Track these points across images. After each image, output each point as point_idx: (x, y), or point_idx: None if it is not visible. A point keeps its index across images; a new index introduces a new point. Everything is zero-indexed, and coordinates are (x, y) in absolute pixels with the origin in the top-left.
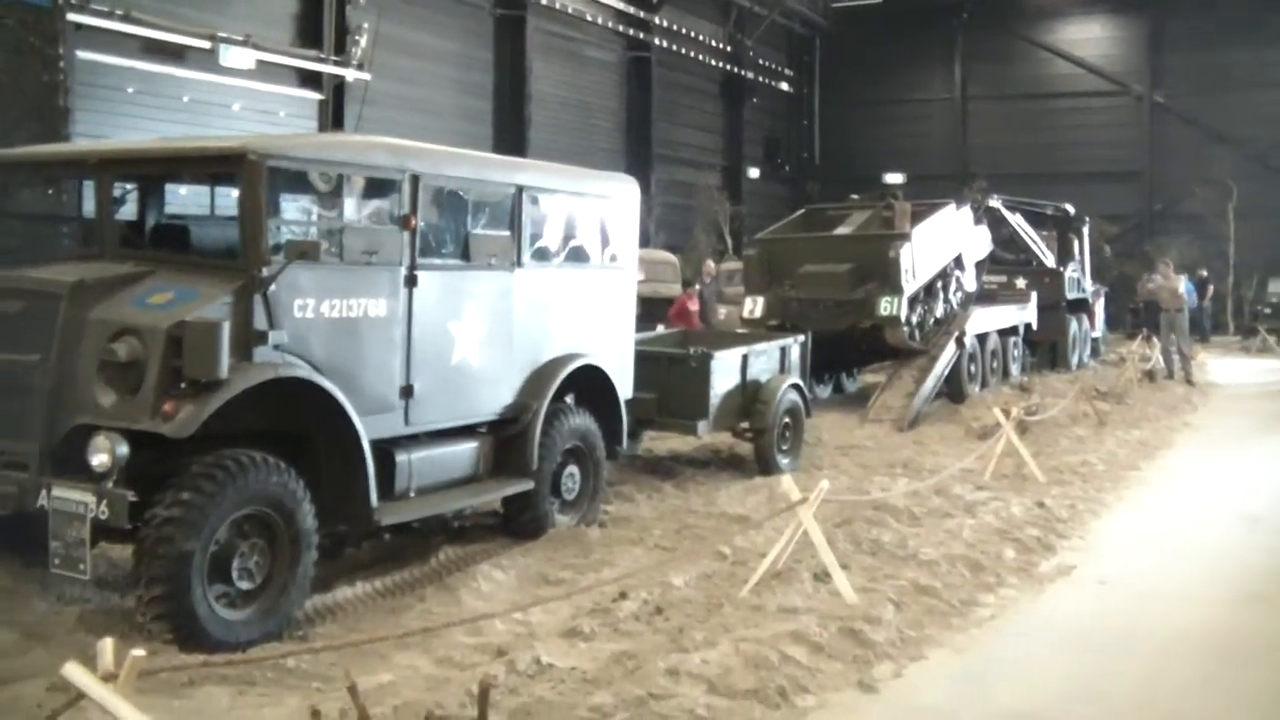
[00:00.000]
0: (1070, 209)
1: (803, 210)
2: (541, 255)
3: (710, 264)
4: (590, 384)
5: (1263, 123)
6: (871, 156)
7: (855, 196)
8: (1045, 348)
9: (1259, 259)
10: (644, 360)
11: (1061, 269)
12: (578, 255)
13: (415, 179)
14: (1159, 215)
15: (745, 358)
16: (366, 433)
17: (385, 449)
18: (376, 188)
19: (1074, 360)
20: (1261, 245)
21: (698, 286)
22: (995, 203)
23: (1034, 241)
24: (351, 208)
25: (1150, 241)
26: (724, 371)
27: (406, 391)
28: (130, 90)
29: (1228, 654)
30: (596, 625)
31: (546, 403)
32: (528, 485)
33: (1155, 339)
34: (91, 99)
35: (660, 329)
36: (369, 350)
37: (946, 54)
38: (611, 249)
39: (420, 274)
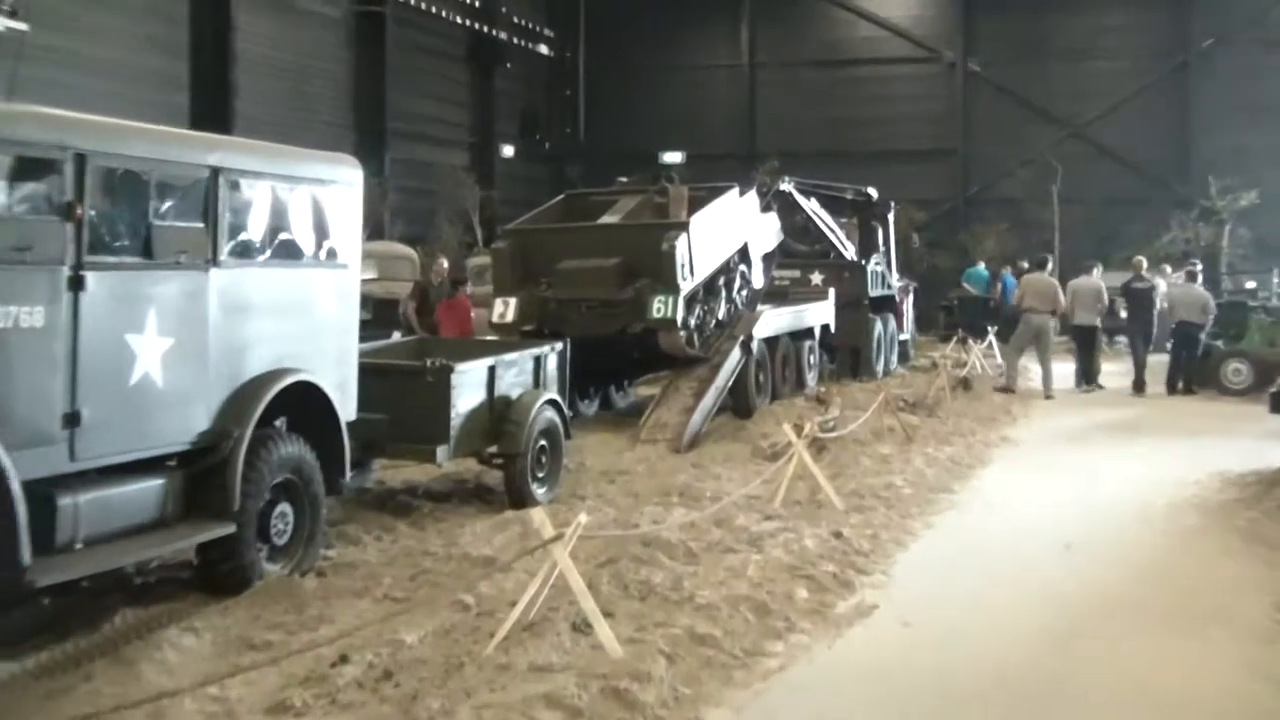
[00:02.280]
0: (873, 193)
1: (563, 195)
2: (244, 251)
3: (442, 262)
4: (305, 404)
5: (1088, 96)
6: (646, 133)
7: (624, 180)
8: (845, 353)
9: (1086, 248)
10: (372, 375)
11: (863, 262)
12: (289, 251)
13: (81, 158)
14: (974, 200)
15: (492, 370)
16: (17, 472)
17: (43, 491)
18: (30, 169)
19: (879, 367)
20: (1088, 233)
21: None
22: (787, 186)
23: (832, 230)
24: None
25: (965, 230)
26: (467, 386)
27: (71, 419)
28: None
29: (1044, 699)
30: (310, 697)
31: (251, 428)
32: (228, 529)
33: (970, 341)
34: None
35: (396, 336)
36: (20, 370)
37: (732, 13)
38: (330, 242)
39: (89, 275)
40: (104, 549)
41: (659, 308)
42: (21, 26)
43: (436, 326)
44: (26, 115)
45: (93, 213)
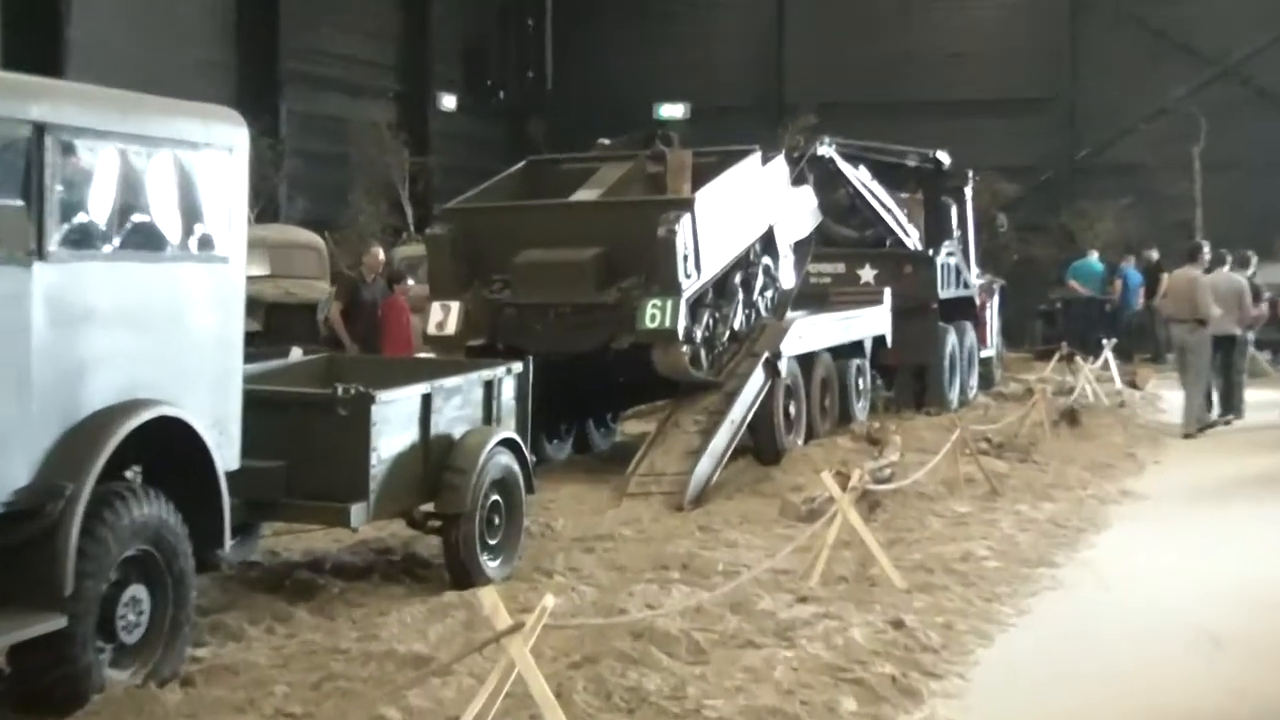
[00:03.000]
0: (944, 158)
1: (523, 163)
2: (82, 239)
3: (377, 252)
4: (169, 449)
5: (1241, 24)
6: (636, 79)
7: (605, 141)
8: (907, 375)
9: (1238, 231)
10: (263, 407)
11: (931, 252)
12: (145, 239)
13: None
14: (1084, 167)
15: (428, 400)
16: None
17: None
18: None
19: (953, 394)
20: (1241, 212)
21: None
22: (827, 150)
23: (888, 210)
24: None
25: (1071, 208)
26: (394, 422)
27: None
28: None
29: None
30: None
31: (90, 482)
32: (56, 622)
33: (1079, 358)
34: None
35: (296, 354)
36: None
37: None
38: (204, 227)
39: None
40: None
41: (654, 315)
42: None
43: (371, 338)
44: None
45: None
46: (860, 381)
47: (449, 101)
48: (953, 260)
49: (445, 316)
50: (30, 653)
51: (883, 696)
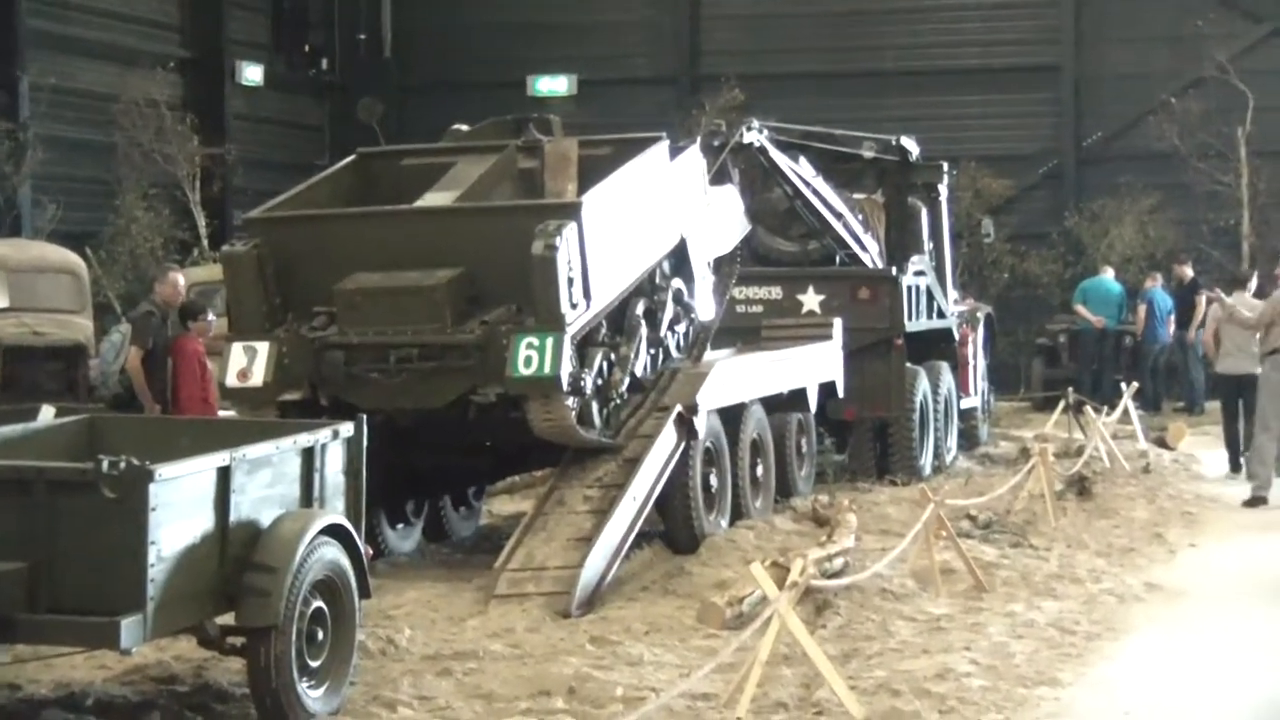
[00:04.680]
0: (910, 146)
1: (353, 156)
2: None
3: (176, 278)
4: None
5: None
6: (501, 46)
7: (463, 128)
8: (865, 433)
9: None
10: None
11: (896, 270)
12: None
13: None
14: (1094, 156)
15: (225, 475)
16: None
17: None
18: None
19: (925, 458)
20: None
21: (123, 330)
22: (755, 137)
23: (838, 216)
24: None
25: (1078, 209)
26: (179, 506)
27: None
28: None
29: None
30: None
31: None
32: None
33: (1090, 408)
34: None
35: (46, 415)
36: None
37: None
38: None
39: None
40: None
41: (529, 358)
42: None
43: (175, 392)
44: None
45: None
46: (803, 442)
47: (253, 73)
48: (923, 281)
49: (250, 362)
50: None
51: None
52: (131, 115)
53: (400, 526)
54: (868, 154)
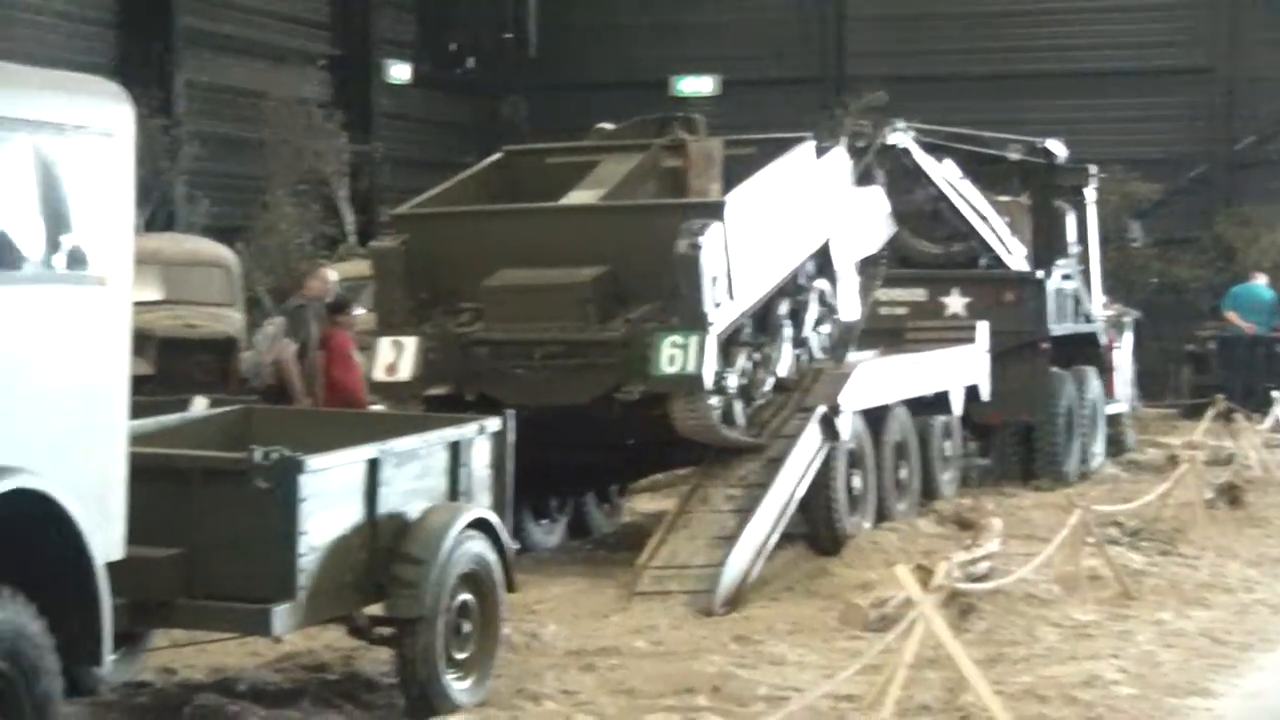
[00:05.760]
0: (1058, 150)
1: (499, 154)
2: None
3: (327, 274)
4: (25, 533)
5: None
6: (646, 45)
7: (608, 126)
8: (1010, 437)
9: None
10: (156, 477)
11: (1041, 274)
12: None
13: None
14: (1246, 160)
15: (374, 467)
16: None
17: None
18: None
19: (1070, 463)
20: None
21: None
22: (901, 138)
23: (983, 218)
24: None
25: (1229, 214)
26: (329, 498)
27: None
28: None
29: None
30: None
31: None
32: None
33: (1240, 416)
34: None
35: (199, 406)
36: None
37: None
38: (74, 239)
39: None
40: None
41: (673, 356)
42: None
43: (324, 385)
44: None
45: None
46: (947, 446)
47: (400, 71)
48: (1070, 285)
49: (397, 357)
50: None
51: None
52: (281, 112)
53: (544, 522)
54: (1013, 156)
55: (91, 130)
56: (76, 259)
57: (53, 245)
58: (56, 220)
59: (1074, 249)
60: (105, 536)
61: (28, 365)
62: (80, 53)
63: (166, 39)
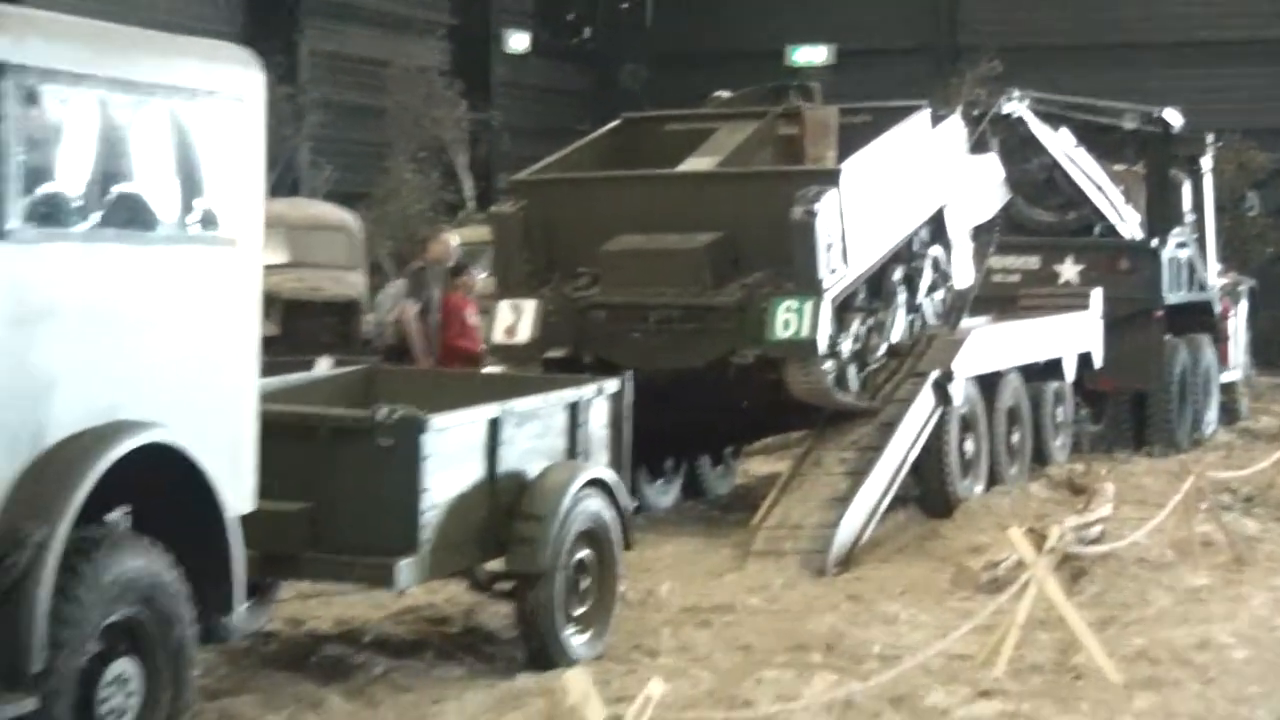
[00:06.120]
0: (1174, 119)
1: (617, 121)
2: (50, 215)
3: (449, 239)
4: (162, 486)
5: None
6: (761, 15)
7: (724, 95)
8: (1123, 404)
9: None
10: (284, 434)
11: (1156, 242)
12: (131, 215)
13: None
14: None
15: (495, 426)
16: None
17: None
18: None
19: (1183, 430)
20: None
21: (399, 284)
22: (1016, 107)
23: (1098, 187)
24: None
25: None
26: (450, 456)
27: None
28: None
29: None
30: None
31: (65, 527)
32: (22, 705)
33: None
34: None
35: (323, 366)
36: None
37: None
38: (206, 202)
39: None
40: None
41: (787, 321)
42: None
43: (444, 345)
44: None
45: None
46: (1059, 412)
47: (518, 41)
48: (1184, 253)
49: (516, 319)
50: None
51: None
52: (402, 81)
53: (659, 482)
54: (1129, 125)
55: (224, 95)
56: (209, 221)
57: (186, 207)
58: (190, 183)
59: (1189, 218)
60: (236, 490)
61: (162, 324)
62: (210, 21)
63: (292, 8)
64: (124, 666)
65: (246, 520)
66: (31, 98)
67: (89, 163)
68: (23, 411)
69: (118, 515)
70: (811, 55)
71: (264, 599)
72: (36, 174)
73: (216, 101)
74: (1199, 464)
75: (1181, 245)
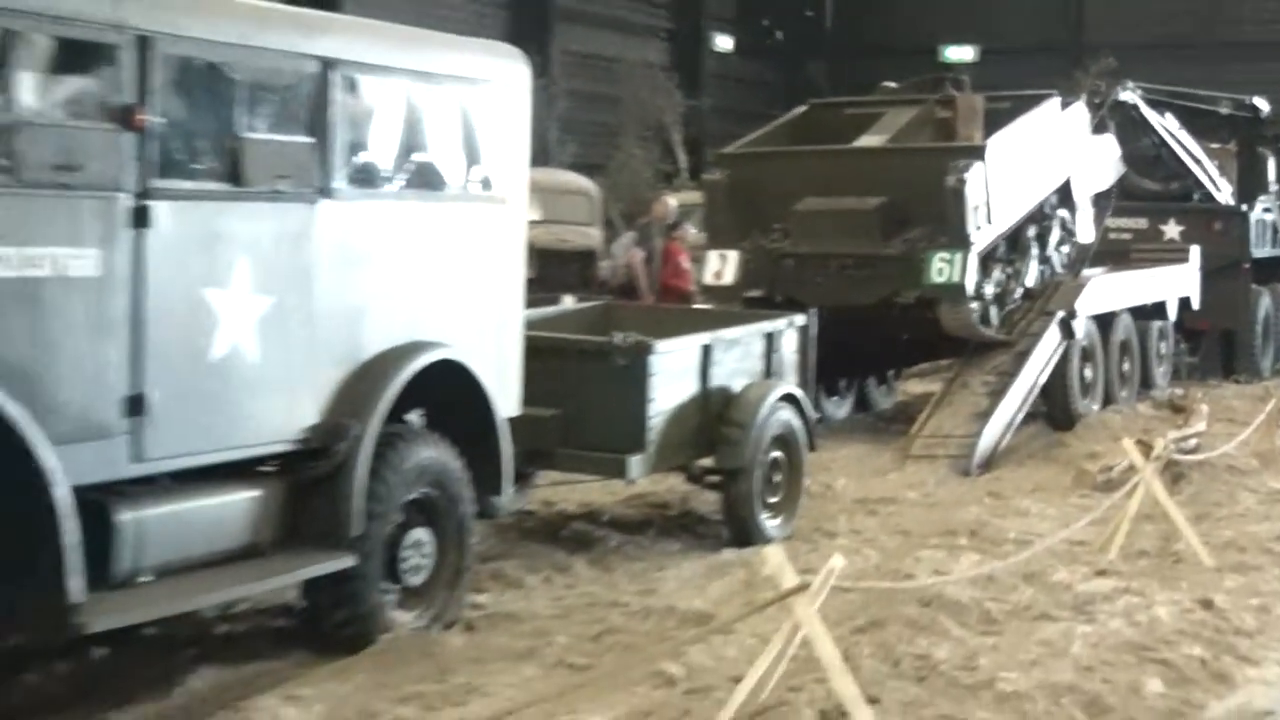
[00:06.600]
0: (1262, 105)
1: (804, 107)
2: (366, 177)
3: (668, 200)
4: (449, 393)
5: None
6: (920, 18)
7: (891, 85)
8: (1214, 339)
9: None
10: (540, 355)
11: (1244, 207)
12: (427, 178)
13: (145, 42)
14: None
15: (707, 351)
16: (64, 475)
17: (97, 502)
18: (77, 56)
19: (1265, 362)
20: None
21: (629, 236)
22: (1130, 95)
23: (1196, 161)
24: (29, 90)
25: None
26: (672, 373)
27: (134, 405)
28: None
29: None
30: None
31: (377, 423)
32: (345, 562)
33: None
34: None
35: (567, 302)
36: (67, 335)
37: None
38: (484, 168)
39: (156, 206)
40: (178, 584)
41: (941, 269)
42: None
43: (663, 285)
44: None
45: (161, 120)
46: (1163, 345)
47: (723, 42)
48: (1269, 216)
49: (723, 266)
50: (321, 591)
51: (1191, 679)
52: (630, 74)
53: (835, 398)
54: (1224, 110)
55: (497, 84)
56: (486, 183)
57: (468, 172)
58: (471, 153)
59: (1273, 187)
60: (505, 398)
61: (450, 266)
62: (479, 28)
63: (545, 15)
64: (420, 534)
65: (513, 422)
66: (351, 86)
67: (394, 137)
68: (344, 333)
69: (415, 416)
70: (960, 53)
71: (525, 486)
72: (354, 146)
73: (492, 89)
74: (1278, 390)
75: (1266, 210)
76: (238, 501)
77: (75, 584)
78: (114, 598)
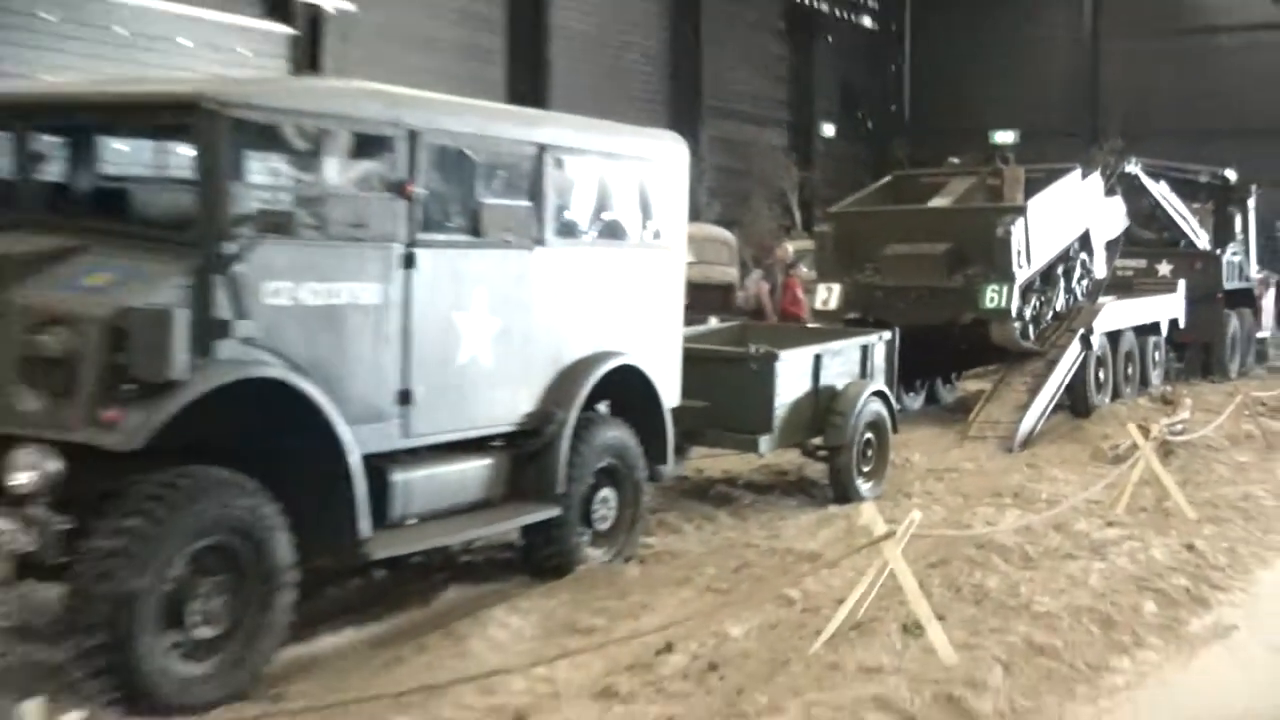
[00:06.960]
0: (1231, 175)
1: (889, 177)
2: (568, 230)
3: (787, 246)
4: (628, 389)
5: None
6: (975, 110)
7: (955, 160)
8: (1196, 350)
9: None
10: (693, 361)
11: (1218, 251)
12: (613, 231)
13: (414, 135)
14: None
15: (818, 359)
16: (356, 446)
17: (378, 466)
18: (365, 146)
19: (1233, 366)
20: None
21: (758, 273)
22: (1134, 168)
23: (1183, 217)
24: (334, 170)
25: None
26: (791, 375)
27: (404, 397)
28: (52, 18)
29: None
30: (636, 685)
31: (576, 411)
32: (553, 512)
33: None
34: (2, 29)
35: (713, 322)
36: (358, 345)
37: None
38: (654, 223)
39: (420, 252)
40: (434, 525)
41: (992, 297)
42: (348, 6)
43: (783, 311)
44: (364, 93)
45: (424, 190)
46: (1157, 354)
47: (828, 129)
48: (1236, 259)
49: (829, 295)
50: (535, 533)
51: (1178, 602)
52: (759, 154)
53: (911, 394)
54: (1203, 179)
55: (664, 162)
56: (657, 235)
57: (644, 226)
58: (646, 212)
59: (1239, 237)
60: (669, 392)
61: (629, 296)
62: (649, 120)
63: (698, 110)
64: (607, 493)
65: (674, 411)
66: (559, 164)
67: (590, 201)
68: (553, 345)
69: (603, 406)
70: (1005, 136)
71: (682, 457)
72: (561, 208)
73: (660, 165)
74: (1243, 387)
75: (1235, 254)
76: (476, 467)
77: (364, 523)
78: (390, 535)
